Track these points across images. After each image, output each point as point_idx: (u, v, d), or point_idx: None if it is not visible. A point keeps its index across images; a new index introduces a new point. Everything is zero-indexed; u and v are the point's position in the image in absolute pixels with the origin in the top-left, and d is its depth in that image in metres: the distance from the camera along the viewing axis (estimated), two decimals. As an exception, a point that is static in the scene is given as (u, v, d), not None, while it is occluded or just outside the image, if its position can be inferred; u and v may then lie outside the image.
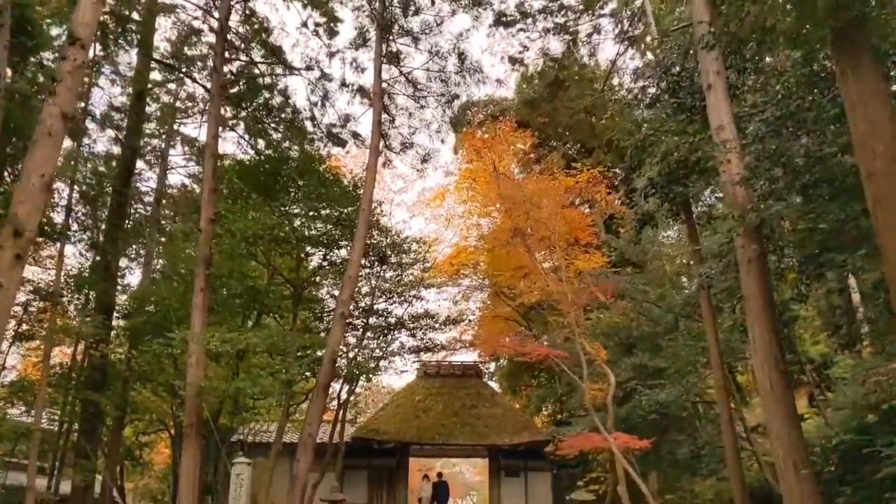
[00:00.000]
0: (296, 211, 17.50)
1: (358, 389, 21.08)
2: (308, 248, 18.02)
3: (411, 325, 18.44)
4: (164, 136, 22.57)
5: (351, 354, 19.33)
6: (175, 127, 23.31)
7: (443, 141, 19.00)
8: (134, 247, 22.21)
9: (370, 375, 19.41)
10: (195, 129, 25.05)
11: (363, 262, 17.98)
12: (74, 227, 19.83)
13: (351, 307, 16.12)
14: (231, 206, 16.79)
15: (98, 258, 19.12)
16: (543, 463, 23.47)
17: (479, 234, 23.21)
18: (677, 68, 11.02)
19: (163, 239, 22.04)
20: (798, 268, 9.79)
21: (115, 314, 19.37)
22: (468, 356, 29.50)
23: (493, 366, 32.11)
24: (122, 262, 21.33)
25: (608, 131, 18.04)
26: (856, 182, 7.71)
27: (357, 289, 17.13)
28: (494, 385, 28.81)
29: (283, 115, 19.07)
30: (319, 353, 15.69)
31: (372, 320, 18.63)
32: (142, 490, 28.32)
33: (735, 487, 11.73)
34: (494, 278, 23.37)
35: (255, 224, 15.57)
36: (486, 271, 23.84)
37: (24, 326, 18.91)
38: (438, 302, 21.23)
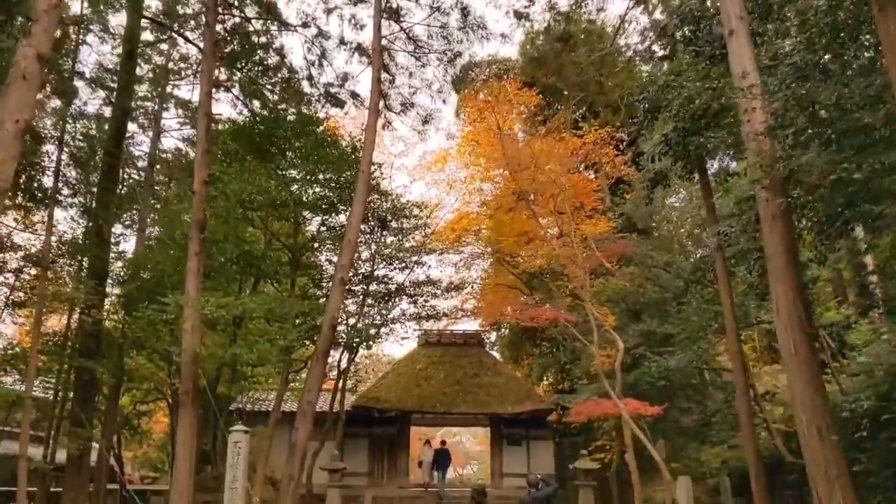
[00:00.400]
0: (293, 174, 16.92)
1: (358, 358, 20.70)
2: (306, 213, 17.48)
3: (412, 292, 17.95)
4: (156, 99, 21.88)
5: (351, 322, 18.92)
6: (168, 89, 22.60)
7: (444, 101, 18.43)
8: (128, 214, 21.65)
9: (370, 343, 19.00)
10: (189, 91, 24.26)
11: (363, 226, 17.47)
12: (66, 191, 19.29)
13: (350, 273, 15.63)
14: (226, 168, 16.21)
15: (90, 223, 18.59)
16: (546, 432, 23.25)
17: (482, 200, 22.65)
18: (696, 14, 10.37)
19: (157, 205, 21.48)
20: (820, 227, 9.28)
21: (108, 281, 18.90)
22: (469, 325, 29.18)
23: (493, 335, 31.80)
24: (117, 230, 20.82)
25: (617, 89, 17.38)
26: (892, 131, 7.16)
27: (357, 254, 16.64)
28: (496, 354, 28.47)
29: (279, 75, 18.40)
30: (318, 321, 15.27)
31: (372, 287, 18.18)
32: (141, 459, 28.17)
33: (749, 455, 11.37)
34: (497, 245, 22.85)
35: (250, 186, 15.01)
36: (488, 238, 23.30)
37: (18, 294, 18.48)
38: (440, 269, 20.77)
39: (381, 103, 16.96)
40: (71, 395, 18.16)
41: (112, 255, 19.28)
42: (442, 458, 24.16)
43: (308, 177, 16.61)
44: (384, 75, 17.24)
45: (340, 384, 20.51)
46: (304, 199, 17.01)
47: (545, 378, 28.34)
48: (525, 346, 29.43)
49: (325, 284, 17.73)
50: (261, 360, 14.04)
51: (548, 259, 15.85)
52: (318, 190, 17.27)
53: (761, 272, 10.25)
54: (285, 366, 15.54)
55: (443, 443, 25.47)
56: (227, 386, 19.23)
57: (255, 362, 14.67)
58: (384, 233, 17.50)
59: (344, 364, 19.96)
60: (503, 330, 31.00)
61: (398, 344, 64.67)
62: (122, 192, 21.42)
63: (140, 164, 22.70)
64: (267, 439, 15.08)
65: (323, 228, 17.80)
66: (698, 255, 15.17)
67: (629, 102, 15.66)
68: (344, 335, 18.81)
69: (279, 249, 17.03)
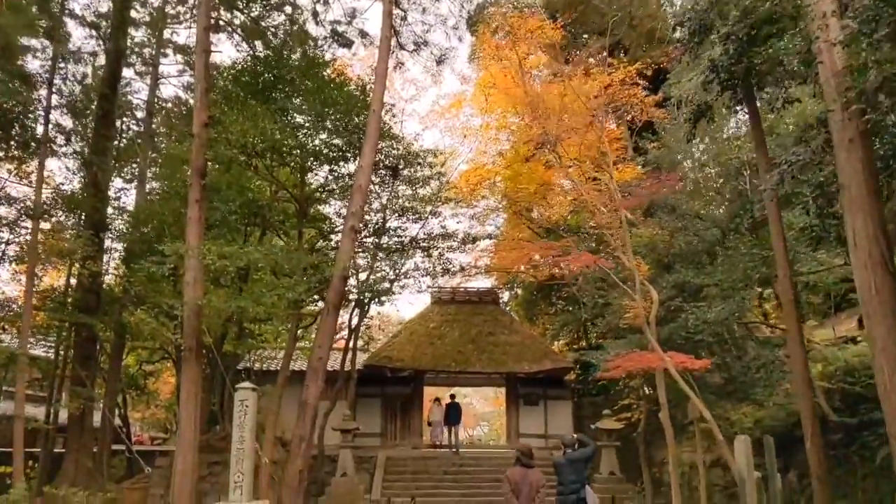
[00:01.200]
0: (298, 120, 15.81)
1: (368, 317, 19.77)
2: (313, 162, 16.38)
3: (426, 245, 16.92)
4: (154, 44, 20.65)
5: (362, 277, 17.99)
6: (166, 34, 21.35)
7: (460, 39, 17.16)
8: (128, 168, 20.59)
9: (382, 299, 18.07)
10: (188, 37, 22.95)
11: (373, 176, 16.41)
12: (60, 139, 18.27)
13: (361, 223, 14.61)
14: (227, 112, 15.09)
15: (86, 173, 17.60)
16: (564, 391, 22.48)
17: (498, 150, 21.50)
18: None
19: (157, 157, 20.41)
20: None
21: (109, 236, 17.99)
22: (482, 284, 28.18)
23: (506, 296, 30.87)
24: (117, 184, 19.86)
25: (649, 20, 16.07)
26: None
27: (367, 203, 15.59)
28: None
29: (282, 14, 17.13)
30: (328, 273, 14.32)
31: (384, 240, 17.18)
32: (149, 420, 27.63)
33: (804, 412, 10.45)
34: (514, 197, 21.76)
35: (254, 129, 13.91)
36: (504, 191, 22.19)
37: (14, 248, 17.62)
38: (457, 220, 19.58)
39: (393, 41, 15.76)
40: (72, 353, 17.41)
41: (112, 211, 18.34)
42: (453, 413, 23.41)
43: (316, 120, 15.46)
44: (396, 11, 16.00)
45: (351, 343, 19.69)
46: (311, 146, 15.92)
47: (560, 337, 27.50)
48: (539, 305, 28.55)
49: (334, 237, 16.75)
50: (268, 315, 13.14)
51: (572, 207, 14.76)
52: (325, 137, 16.18)
53: (820, 211, 9.20)
54: (294, 321, 14.65)
55: (452, 397, 24.69)
56: (233, 344, 18.41)
57: (262, 317, 13.79)
58: (396, 182, 16.42)
59: (355, 321, 19.10)
60: (516, 290, 30.08)
61: (409, 303, 63.97)
62: (121, 144, 20.40)
63: (139, 114, 21.58)
64: (276, 398, 14.27)
65: (331, 178, 16.73)
66: (736, 201, 14.04)
67: (662, 35, 14.40)
68: (355, 290, 17.91)
69: (286, 200, 16.03)
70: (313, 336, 17.26)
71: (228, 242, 13.20)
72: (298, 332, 14.98)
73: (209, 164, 14.84)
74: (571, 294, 26.82)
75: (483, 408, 58.15)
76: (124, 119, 20.67)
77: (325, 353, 12.57)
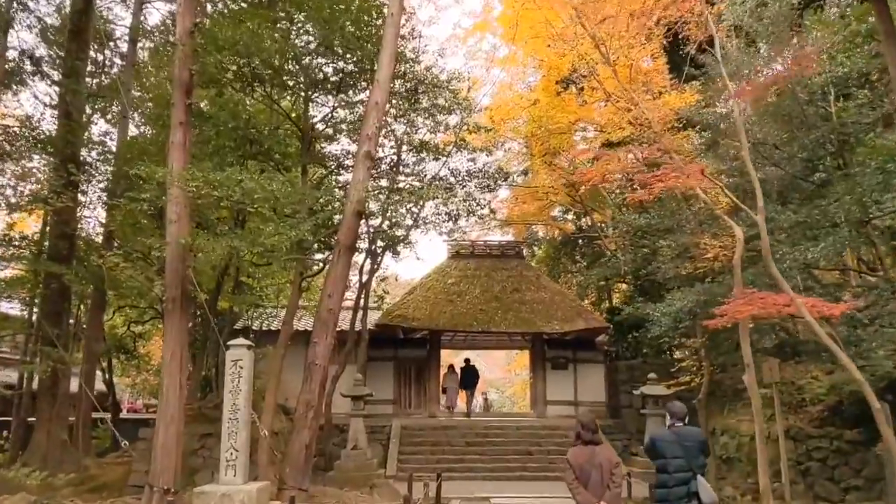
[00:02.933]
0: (302, 40, 13.37)
1: (384, 266, 17.45)
2: (318, 90, 13.96)
3: (449, 183, 14.52)
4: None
5: (376, 222, 15.74)
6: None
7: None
8: (109, 106, 18.16)
9: (398, 248, 15.85)
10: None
11: (388, 103, 14.05)
12: (28, 66, 15.90)
13: (378, 147, 12.25)
14: (220, 23, 12.65)
15: (57, 102, 15.25)
16: (596, 354, 20.43)
17: (526, 83, 19.07)
18: None
19: (142, 92, 17.97)
20: None
21: (85, 176, 15.65)
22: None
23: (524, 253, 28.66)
24: (101, 127, 17.50)
25: None
26: None
27: (383, 130, 13.21)
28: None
29: None
30: (337, 217, 12.10)
31: (400, 180, 14.84)
32: (140, 386, 25.58)
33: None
34: (543, 137, 19.37)
35: (250, 42, 11.49)
36: (530, 132, 19.75)
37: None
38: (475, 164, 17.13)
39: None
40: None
41: (89, 151, 15.98)
42: (469, 377, 21.88)
43: (323, 31, 12.96)
44: None
45: (362, 300, 17.52)
46: (316, 67, 13.53)
47: (587, 296, 25.33)
48: (562, 262, 26.37)
49: (344, 174, 14.42)
50: (267, 260, 10.91)
51: (632, 130, 12.47)
52: (332, 61, 13.77)
53: None
54: (298, 269, 12.41)
55: (467, 360, 23.12)
56: (229, 300, 16.27)
57: (260, 262, 11.55)
58: (414, 111, 13.95)
59: (366, 275, 16.89)
60: (535, 247, 27.85)
61: (419, 259, 60.87)
62: (103, 82, 17.98)
63: (123, 46, 19.07)
64: (278, 360, 12.11)
65: (339, 109, 14.33)
66: (822, 127, 11.69)
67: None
68: (365, 237, 15.68)
69: (288, 133, 13.69)
70: (319, 283, 15.08)
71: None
72: (304, 282, 12.72)
73: (200, 89, 12.50)
74: (598, 250, 24.68)
75: (492, 374, 56.38)
76: (105, 49, 18.22)
77: (335, 304, 10.38)
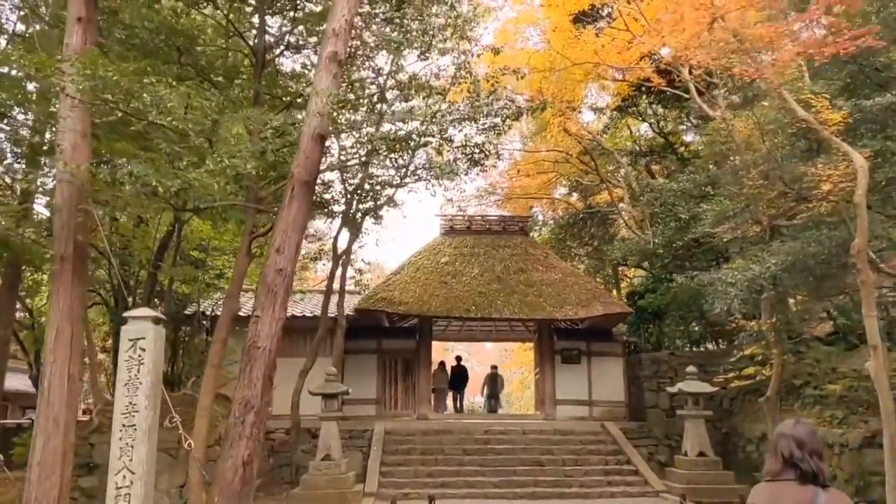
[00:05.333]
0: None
1: (364, 231, 14.27)
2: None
3: (443, 127, 11.34)
4: None
5: (355, 181, 12.73)
6: None
7: None
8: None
9: (380, 212, 12.86)
10: None
11: (366, 24, 11.00)
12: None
13: (347, 48, 9.10)
14: None
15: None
16: (613, 345, 17.49)
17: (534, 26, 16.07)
18: None
19: None
20: None
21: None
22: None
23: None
24: None
25: None
26: None
27: (353, 44, 10.13)
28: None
29: None
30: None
31: (385, 127, 11.74)
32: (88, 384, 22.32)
33: None
34: (552, 93, 16.33)
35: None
36: (537, 82, 16.68)
37: None
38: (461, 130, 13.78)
39: None
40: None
41: None
42: (460, 378, 19.89)
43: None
44: None
45: (339, 280, 14.51)
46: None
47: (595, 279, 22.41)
48: (568, 244, 23.43)
49: (302, 103, 11.20)
50: (198, 199, 7.84)
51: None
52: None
53: None
54: (247, 225, 9.32)
55: (458, 359, 21.02)
56: (168, 274, 13.18)
57: (188, 201, 8.46)
58: (399, 26, 10.79)
59: (342, 247, 13.85)
60: (541, 229, 24.88)
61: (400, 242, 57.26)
62: None
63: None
64: (218, 346, 9.07)
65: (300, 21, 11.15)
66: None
67: None
68: (342, 199, 12.69)
69: (237, 50, 10.59)
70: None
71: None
72: (254, 243, 9.60)
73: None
74: (611, 230, 21.82)
75: (485, 371, 53.37)
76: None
77: (287, 261, 7.33)
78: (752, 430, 14.41)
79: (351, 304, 16.21)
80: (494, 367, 21.44)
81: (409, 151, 11.45)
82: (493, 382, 20.78)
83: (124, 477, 6.11)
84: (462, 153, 11.12)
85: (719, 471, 12.44)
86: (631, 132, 23.66)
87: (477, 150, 10.80)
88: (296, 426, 13.60)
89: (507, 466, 13.40)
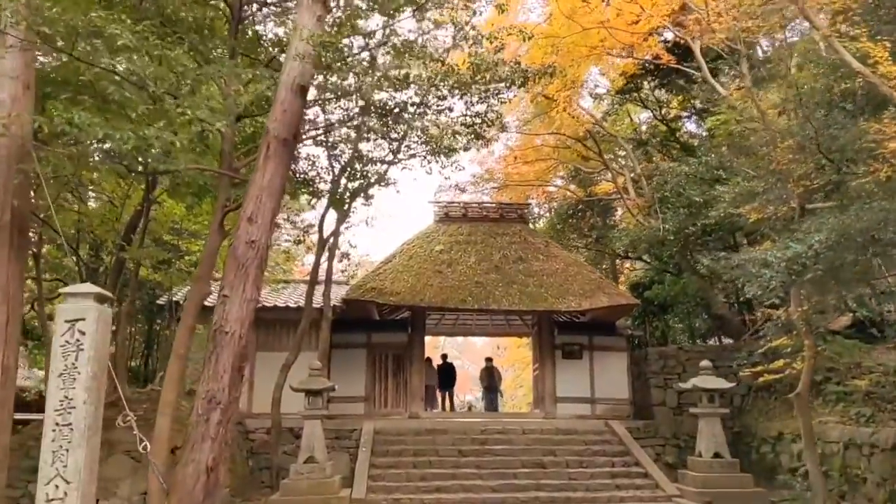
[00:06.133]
0: None
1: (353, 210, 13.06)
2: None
3: (442, 94, 10.21)
4: None
5: (345, 158, 11.65)
6: None
7: None
8: None
9: (370, 192, 11.78)
10: None
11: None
12: None
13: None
14: None
15: None
16: (617, 339, 16.50)
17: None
18: None
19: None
20: None
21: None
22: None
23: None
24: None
25: None
26: None
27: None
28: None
29: None
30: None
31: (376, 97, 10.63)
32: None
33: None
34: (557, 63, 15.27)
35: None
36: (541, 57, 15.64)
37: None
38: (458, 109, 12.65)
39: None
40: None
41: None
42: (447, 376, 18.83)
43: None
44: None
45: (323, 265, 13.43)
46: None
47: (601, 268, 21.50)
48: (567, 235, 22.44)
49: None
50: (161, 163, 6.73)
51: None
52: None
53: None
54: (220, 198, 8.20)
55: (444, 357, 20.18)
56: (136, 253, 12.01)
57: (149, 164, 7.35)
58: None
59: (328, 230, 12.76)
60: (536, 220, 23.87)
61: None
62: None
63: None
64: (183, 333, 7.96)
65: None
66: None
67: None
68: (327, 177, 11.61)
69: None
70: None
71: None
72: (227, 214, 8.46)
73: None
74: (612, 221, 20.90)
75: (477, 372, 52.27)
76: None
77: (261, 232, 6.24)
78: (766, 430, 13.46)
79: (339, 295, 15.15)
80: (490, 360, 20.29)
81: (404, 123, 10.36)
82: (490, 375, 19.52)
83: (57, 487, 5.01)
84: (462, 124, 10.02)
85: (737, 473, 11.44)
86: (632, 120, 22.78)
87: (478, 120, 9.69)
88: (276, 426, 12.51)
89: (506, 469, 12.37)
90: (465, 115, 9.84)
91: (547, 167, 21.06)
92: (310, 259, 16.39)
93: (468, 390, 52.33)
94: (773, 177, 9.21)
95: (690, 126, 21.33)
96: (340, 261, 14.02)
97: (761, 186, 8.96)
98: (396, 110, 10.12)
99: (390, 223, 58.53)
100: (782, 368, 9.39)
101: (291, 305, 14.65)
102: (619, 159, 20.39)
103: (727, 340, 17.35)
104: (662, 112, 20.89)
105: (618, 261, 23.05)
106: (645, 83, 18.74)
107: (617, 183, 18.32)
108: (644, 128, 22.46)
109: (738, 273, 8.98)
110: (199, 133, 6.34)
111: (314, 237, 12.93)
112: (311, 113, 10.15)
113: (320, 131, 10.54)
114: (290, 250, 16.31)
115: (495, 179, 21.38)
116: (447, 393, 19.35)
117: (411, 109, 10.19)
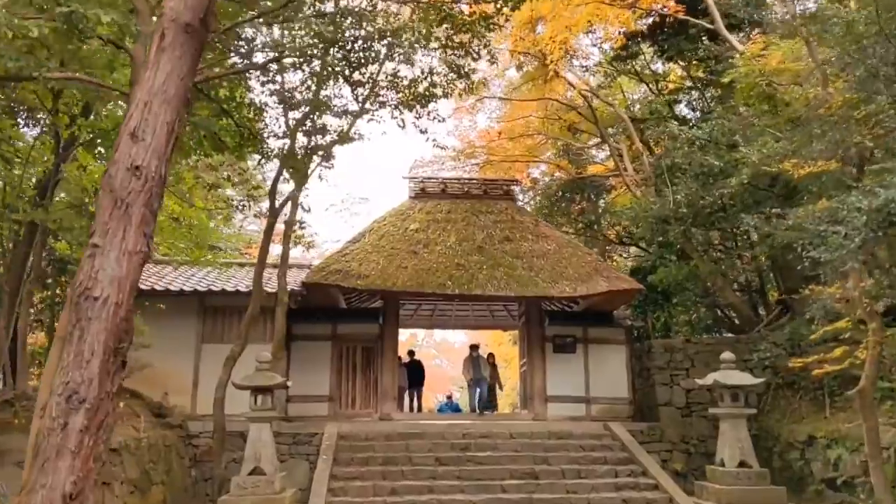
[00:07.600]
0: None
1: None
2: None
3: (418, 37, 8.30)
4: None
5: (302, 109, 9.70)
6: None
7: None
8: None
9: (332, 151, 9.84)
10: None
11: None
12: None
13: None
14: None
15: None
16: (615, 331, 14.73)
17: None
18: None
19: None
20: None
21: None
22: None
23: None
24: None
25: None
26: None
27: None
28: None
29: None
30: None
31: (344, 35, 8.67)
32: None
33: None
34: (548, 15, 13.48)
35: None
36: (530, 9, 13.79)
37: None
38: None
39: None
40: None
41: None
42: (415, 374, 16.69)
43: None
44: None
45: (281, 248, 11.45)
46: None
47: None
48: (554, 219, 20.61)
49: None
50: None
51: None
52: None
53: None
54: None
55: (411, 353, 18.00)
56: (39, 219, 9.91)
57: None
58: None
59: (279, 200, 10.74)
60: (528, 200, 22.05)
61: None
62: None
63: None
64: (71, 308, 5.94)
65: None
66: None
67: None
68: (279, 130, 9.67)
69: None
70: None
71: None
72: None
73: None
74: (607, 202, 19.16)
75: (455, 370, 50.33)
76: None
77: (150, 156, 4.22)
78: (792, 433, 11.68)
79: (299, 279, 13.20)
80: (475, 347, 16.53)
81: (373, 61, 8.43)
82: (477, 365, 15.78)
83: None
84: (441, 60, 8.10)
85: (768, 486, 9.61)
86: (625, 97, 21.06)
87: (461, 52, 7.77)
88: (220, 430, 10.52)
89: (492, 480, 10.49)
90: (445, 49, 7.92)
91: (535, 143, 19.25)
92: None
93: (447, 390, 50.39)
94: (824, 124, 7.42)
95: (685, 110, 19.65)
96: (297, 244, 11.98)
97: (817, 130, 7.16)
98: (361, 42, 8.17)
99: (363, 207, 56.30)
100: (842, 357, 7.57)
101: (242, 290, 12.62)
102: (611, 139, 18.69)
103: (727, 335, 15.75)
104: (659, 86, 19.21)
105: (608, 247, 21.33)
106: (643, 49, 17.00)
107: (614, 158, 16.52)
108: (637, 108, 20.80)
109: (795, 235, 7.19)
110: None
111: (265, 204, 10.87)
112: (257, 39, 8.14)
113: (268, 64, 8.50)
114: (243, 227, 14.25)
115: (477, 156, 19.50)
116: (416, 392, 17.11)
117: (382, 43, 8.24)
